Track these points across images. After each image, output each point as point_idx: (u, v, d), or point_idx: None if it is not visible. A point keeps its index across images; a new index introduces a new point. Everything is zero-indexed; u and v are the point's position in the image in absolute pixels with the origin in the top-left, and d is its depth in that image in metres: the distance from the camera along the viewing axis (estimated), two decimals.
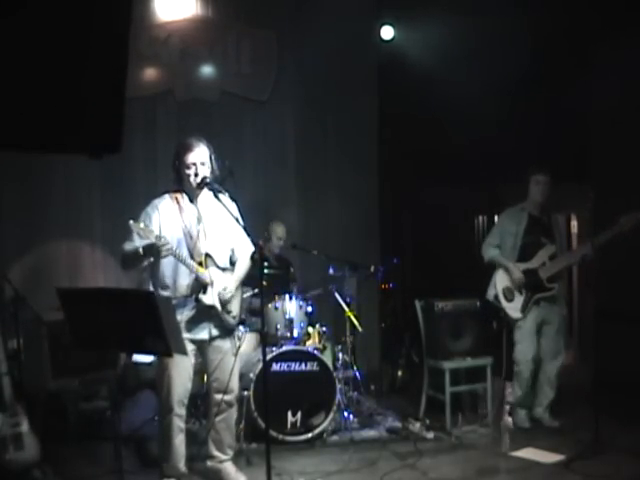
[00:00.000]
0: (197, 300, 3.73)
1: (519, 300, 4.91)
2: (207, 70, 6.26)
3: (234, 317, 3.88)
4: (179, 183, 3.84)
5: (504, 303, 4.95)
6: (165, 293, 3.71)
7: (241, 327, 4.05)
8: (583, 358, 6.52)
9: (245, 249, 3.93)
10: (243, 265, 3.94)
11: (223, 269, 3.86)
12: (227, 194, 3.89)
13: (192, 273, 3.71)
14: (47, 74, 1.21)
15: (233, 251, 3.95)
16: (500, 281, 4.97)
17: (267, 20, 6.47)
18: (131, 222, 3.48)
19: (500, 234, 5.05)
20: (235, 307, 3.89)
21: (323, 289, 5.52)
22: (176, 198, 3.84)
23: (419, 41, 6.55)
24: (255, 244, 3.50)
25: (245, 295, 4.10)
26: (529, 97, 6.16)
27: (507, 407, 4.88)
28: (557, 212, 5.25)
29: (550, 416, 4.96)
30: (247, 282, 4.09)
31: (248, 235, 3.61)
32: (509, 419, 4.70)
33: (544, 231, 4.98)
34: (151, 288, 3.78)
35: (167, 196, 3.85)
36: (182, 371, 3.73)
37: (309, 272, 6.07)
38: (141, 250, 3.58)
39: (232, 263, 3.95)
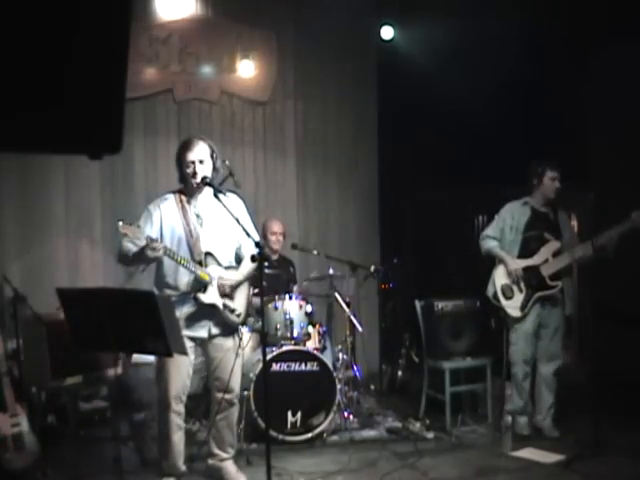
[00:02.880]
0: (195, 299, 3.73)
1: (519, 298, 4.70)
2: (207, 70, 6.26)
3: (238, 315, 3.87)
4: (182, 182, 3.85)
5: (503, 301, 4.74)
6: (167, 292, 3.72)
7: (241, 327, 4.04)
8: (583, 358, 6.52)
9: (249, 247, 3.93)
10: (248, 264, 3.89)
11: (226, 267, 3.86)
12: (235, 194, 3.91)
13: (191, 273, 3.72)
14: (46, 74, 1.21)
15: (239, 249, 3.95)
16: (499, 278, 4.77)
17: (267, 20, 6.48)
18: (120, 224, 3.42)
19: (500, 228, 4.83)
20: (240, 305, 3.88)
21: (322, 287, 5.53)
22: (179, 197, 3.84)
23: (419, 41, 6.55)
24: (258, 244, 3.50)
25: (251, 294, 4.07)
26: (529, 97, 6.16)
27: (508, 415, 4.81)
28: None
29: (551, 425, 4.75)
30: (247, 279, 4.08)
31: (249, 235, 3.60)
32: (509, 418, 4.69)
33: (549, 227, 4.75)
34: (152, 287, 3.78)
35: (170, 195, 3.86)
36: (181, 368, 3.73)
37: (309, 272, 6.06)
38: (139, 250, 3.56)
39: (238, 261, 3.95)
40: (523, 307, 4.70)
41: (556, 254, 4.70)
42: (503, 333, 4.89)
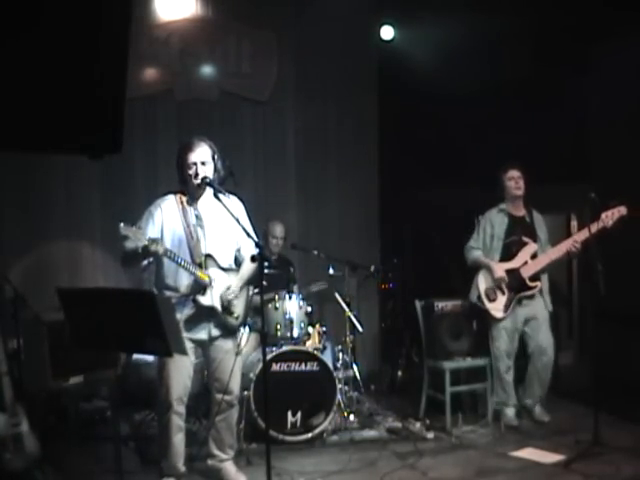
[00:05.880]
0: (194, 301, 3.73)
1: (501, 300, 4.95)
2: (207, 70, 6.26)
3: (237, 318, 3.87)
4: (183, 183, 3.84)
5: (487, 304, 4.98)
6: (166, 293, 3.72)
7: (241, 327, 4.04)
8: (583, 358, 6.52)
9: (249, 249, 3.93)
10: (248, 266, 3.90)
11: (226, 270, 3.86)
12: (235, 196, 3.90)
13: (190, 274, 3.71)
14: (48, 75, 1.21)
15: (239, 251, 3.94)
16: (482, 282, 5.03)
17: (267, 20, 6.47)
18: (121, 225, 3.43)
19: (482, 238, 5.11)
20: (239, 308, 3.88)
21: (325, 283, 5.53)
22: (180, 198, 3.83)
23: (419, 41, 6.54)
24: (258, 245, 3.50)
25: (251, 294, 4.07)
26: (529, 97, 6.16)
27: (496, 406, 5.02)
28: (557, 212, 5.27)
29: (541, 410, 5.02)
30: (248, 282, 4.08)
31: (249, 236, 3.60)
32: (499, 408, 4.93)
33: (526, 230, 5.02)
34: (152, 288, 3.78)
35: (171, 196, 3.85)
36: (181, 369, 3.73)
37: (309, 272, 6.06)
38: (140, 250, 3.58)
39: (238, 264, 3.94)
40: (506, 308, 4.95)
41: (534, 256, 4.96)
42: (487, 333, 5.09)
